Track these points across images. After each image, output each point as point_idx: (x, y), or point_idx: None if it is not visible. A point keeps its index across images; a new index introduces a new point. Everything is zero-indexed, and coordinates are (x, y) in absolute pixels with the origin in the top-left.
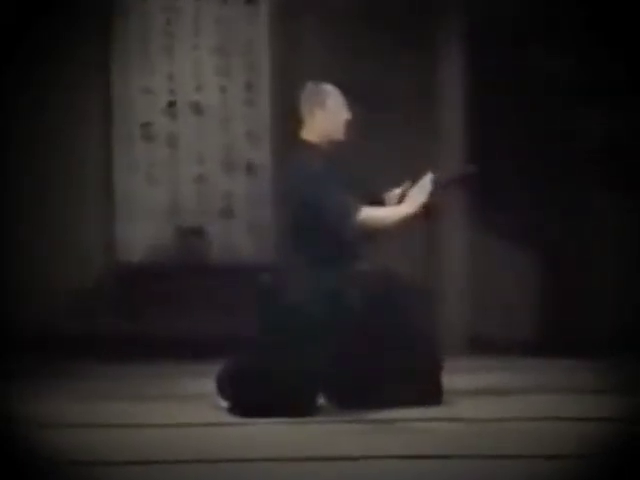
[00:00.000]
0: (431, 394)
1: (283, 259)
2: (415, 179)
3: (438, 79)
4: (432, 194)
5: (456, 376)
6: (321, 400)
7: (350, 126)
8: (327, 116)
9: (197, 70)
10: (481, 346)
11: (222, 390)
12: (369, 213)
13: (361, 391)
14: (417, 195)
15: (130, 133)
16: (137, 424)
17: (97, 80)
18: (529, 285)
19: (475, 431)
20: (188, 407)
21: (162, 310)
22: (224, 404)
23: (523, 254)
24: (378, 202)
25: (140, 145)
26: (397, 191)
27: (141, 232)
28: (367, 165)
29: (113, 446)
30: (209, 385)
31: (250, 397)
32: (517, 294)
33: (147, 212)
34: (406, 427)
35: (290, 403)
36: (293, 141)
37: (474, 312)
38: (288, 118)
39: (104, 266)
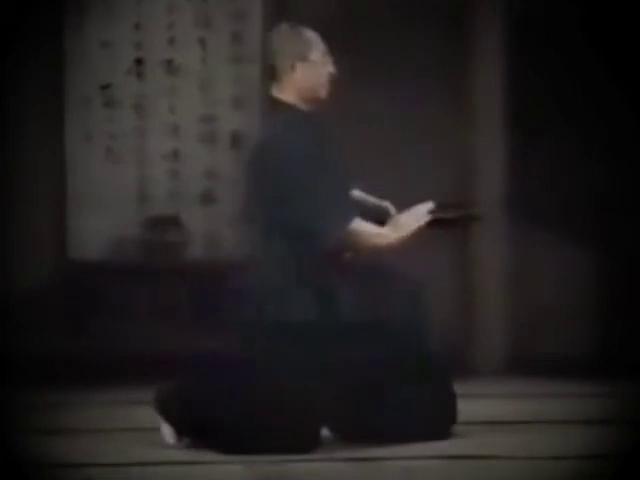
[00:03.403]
0: (439, 426)
1: (254, 254)
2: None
3: (472, 50)
4: (426, 225)
5: (483, 403)
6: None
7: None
8: (311, 71)
9: (171, 19)
10: (521, 367)
11: (180, 422)
12: (360, 226)
13: (358, 422)
14: (408, 223)
15: (87, 97)
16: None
17: (46, 31)
18: (579, 295)
19: (488, 472)
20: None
21: (126, 321)
22: (172, 439)
23: (571, 258)
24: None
25: (99, 112)
26: (392, 210)
27: (100, 222)
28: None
29: None
30: None
31: (233, 430)
32: (564, 306)
33: (107, 197)
34: (401, 466)
35: (285, 436)
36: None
37: (512, 327)
38: None
39: (53, 265)
